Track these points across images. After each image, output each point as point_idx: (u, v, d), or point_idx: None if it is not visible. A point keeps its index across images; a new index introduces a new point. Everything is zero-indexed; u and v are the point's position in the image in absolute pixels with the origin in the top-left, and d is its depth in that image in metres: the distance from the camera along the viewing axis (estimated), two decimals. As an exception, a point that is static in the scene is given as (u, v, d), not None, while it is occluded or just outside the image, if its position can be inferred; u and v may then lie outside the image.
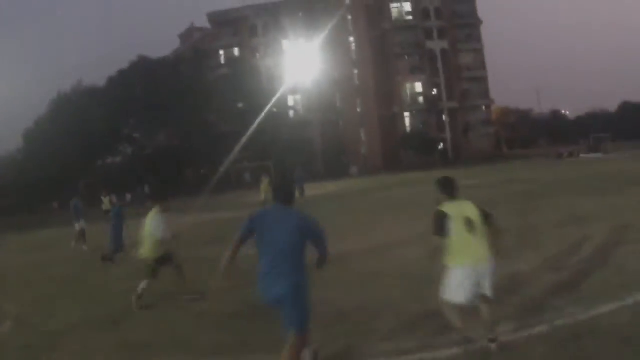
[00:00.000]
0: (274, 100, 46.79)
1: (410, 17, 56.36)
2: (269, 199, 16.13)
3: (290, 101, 55.15)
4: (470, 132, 53.93)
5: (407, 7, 56.64)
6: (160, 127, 50.63)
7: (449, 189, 4.23)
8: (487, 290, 4.04)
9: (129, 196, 39.40)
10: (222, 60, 57.29)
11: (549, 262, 6.66)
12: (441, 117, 54.52)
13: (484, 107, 56.94)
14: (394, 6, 56.37)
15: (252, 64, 53.10)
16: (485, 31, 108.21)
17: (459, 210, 4.06)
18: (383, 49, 54.60)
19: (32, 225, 26.19)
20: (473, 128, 54.25)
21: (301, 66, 50.64)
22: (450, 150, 52.34)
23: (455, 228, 3.99)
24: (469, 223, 3.99)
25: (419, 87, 55.60)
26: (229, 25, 57.75)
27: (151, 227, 6.40)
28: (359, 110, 53.42)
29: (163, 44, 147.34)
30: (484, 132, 55.30)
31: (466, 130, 53.80)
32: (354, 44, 54.94)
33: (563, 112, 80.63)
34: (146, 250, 6.48)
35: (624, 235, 7.79)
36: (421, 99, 55.17)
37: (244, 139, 41.85)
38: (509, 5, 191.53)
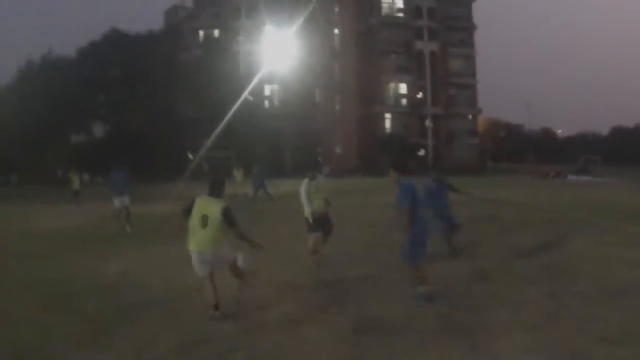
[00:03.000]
0: (249, 87, 44.08)
1: (401, 14, 53.15)
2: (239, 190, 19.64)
3: (267, 91, 51.88)
4: (454, 141, 50.88)
5: (399, 3, 53.45)
6: (130, 107, 47.35)
7: (212, 189, 5.23)
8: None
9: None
10: (200, 41, 53.98)
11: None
12: (424, 122, 51.39)
13: (470, 116, 53.81)
14: (386, 1, 53.09)
15: (230, 47, 49.87)
16: (479, 38, 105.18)
17: (203, 207, 5.08)
18: (369, 44, 51.30)
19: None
20: (457, 137, 51.18)
21: (282, 55, 47.44)
22: (431, 158, 49.23)
23: (192, 220, 5.11)
24: (204, 219, 5.00)
25: (403, 88, 52.33)
26: (212, 6, 54.54)
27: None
28: (337, 106, 50.08)
29: (149, 20, 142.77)
30: (468, 143, 52.21)
31: (450, 139, 50.74)
32: (338, 37, 51.61)
33: (554, 130, 77.92)
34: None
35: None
36: (404, 100, 51.92)
37: (214, 127, 39.08)
38: (506, 15, 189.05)
